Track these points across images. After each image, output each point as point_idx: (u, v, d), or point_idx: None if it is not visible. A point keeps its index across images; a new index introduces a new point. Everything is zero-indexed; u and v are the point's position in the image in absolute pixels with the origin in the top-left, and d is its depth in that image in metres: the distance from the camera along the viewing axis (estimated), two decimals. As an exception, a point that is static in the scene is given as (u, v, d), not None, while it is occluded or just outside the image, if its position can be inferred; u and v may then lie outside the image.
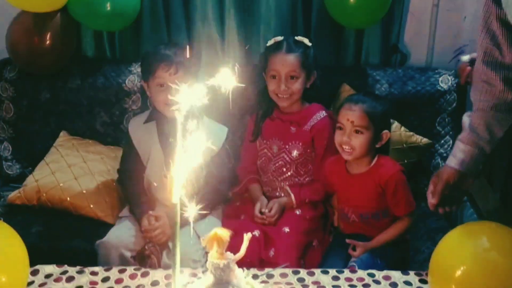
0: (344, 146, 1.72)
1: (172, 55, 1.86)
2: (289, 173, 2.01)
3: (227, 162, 2.05)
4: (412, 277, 1.48)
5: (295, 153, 2.00)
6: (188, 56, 1.94)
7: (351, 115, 1.70)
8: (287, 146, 2.01)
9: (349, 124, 1.70)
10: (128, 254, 1.82)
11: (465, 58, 1.82)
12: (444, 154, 2.22)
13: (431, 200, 1.52)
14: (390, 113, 1.83)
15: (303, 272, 1.50)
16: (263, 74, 2.03)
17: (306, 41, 2.01)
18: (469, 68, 1.83)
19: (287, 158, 2.01)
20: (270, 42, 2.03)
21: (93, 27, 2.31)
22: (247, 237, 1.16)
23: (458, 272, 1.20)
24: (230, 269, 1.11)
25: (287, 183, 2.01)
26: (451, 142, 2.21)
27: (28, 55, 2.20)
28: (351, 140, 1.71)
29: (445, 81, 2.21)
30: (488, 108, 1.46)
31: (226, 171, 2.05)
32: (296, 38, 2.02)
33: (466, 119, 1.53)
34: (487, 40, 1.41)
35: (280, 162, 2.02)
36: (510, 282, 1.16)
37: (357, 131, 1.70)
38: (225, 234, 1.11)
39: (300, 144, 1.99)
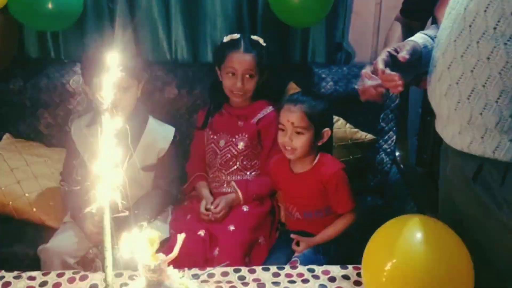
0: (286, 146, 1.75)
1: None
2: (235, 167, 2.04)
3: (176, 163, 2.05)
4: (350, 271, 1.51)
5: (241, 145, 2.03)
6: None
7: (291, 116, 1.73)
8: (233, 139, 2.05)
9: (290, 125, 1.73)
10: (71, 260, 1.80)
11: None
12: (388, 150, 2.27)
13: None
14: (330, 111, 1.86)
15: (244, 270, 1.51)
16: (215, 69, 2.07)
17: (261, 41, 2.07)
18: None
19: (234, 151, 2.04)
20: (226, 39, 2.06)
21: (35, 27, 2.26)
22: (180, 237, 1.16)
23: (389, 265, 1.24)
24: (162, 270, 1.11)
25: (233, 177, 2.03)
26: (394, 137, 2.28)
27: (-33, 57, 2.14)
28: (292, 140, 1.73)
29: (388, 79, 2.26)
30: None
31: (175, 172, 2.05)
32: (252, 37, 2.06)
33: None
34: None
35: (227, 156, 2.05)
36: (436, 272, 1.20)
37: (297, 132, 1.73)
38: (154, 236, 1.11)
39: (246, 136, 2.04)
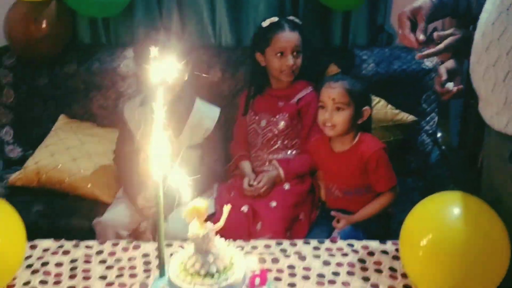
0: (326, 123, 1.79)
1: None
2: (276, 146, 2.11)
3: (221, 142, 2.13)
4: (389, 246, 1.55)
5: (281, 124, 2.09)
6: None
7: (332, 93, 1.77)
8: (274, 119, 2.10)
9: (330, 101, 1.77)
10: (124, 233, 1.91)
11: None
12: (430, 131, 2.28)
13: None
14: (369, 91, 1.89)
15: (285, 243, 1.58)
16: (256, 55, 2.12)
17: (297, 20, 2.13)
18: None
19: (275, 131, 2.10)
20: (266, 23, 2.11)
21: (87, 14, 2.38)
22: (226, 208, 1.22)
23: (426, 239, 1.28)
24: (209, 239, 1.18)
25: (275, 156, 2.10)
26: (436, 119, 2.28)
27: (25, 43, 2.28)
28: (333, 117, 1.78)
29: (430, 60, 2.25)
30: None
31: (220, 151, 2.13)
32: (288, 18, 2.11)
33: None
34: None
35: (268, 135, 2.11)
36: (473, 248, 1.23)
37: (338, 108, 1.77)
38: (202, 205, 1.18)
39: (287, 115, 2.09)
